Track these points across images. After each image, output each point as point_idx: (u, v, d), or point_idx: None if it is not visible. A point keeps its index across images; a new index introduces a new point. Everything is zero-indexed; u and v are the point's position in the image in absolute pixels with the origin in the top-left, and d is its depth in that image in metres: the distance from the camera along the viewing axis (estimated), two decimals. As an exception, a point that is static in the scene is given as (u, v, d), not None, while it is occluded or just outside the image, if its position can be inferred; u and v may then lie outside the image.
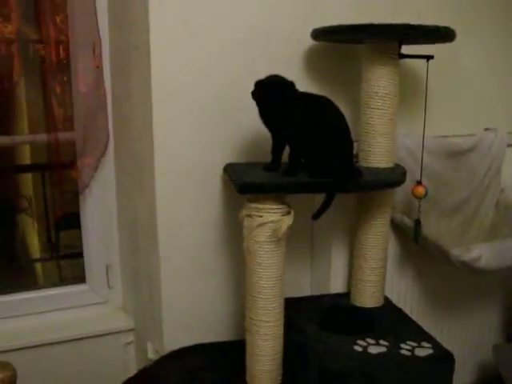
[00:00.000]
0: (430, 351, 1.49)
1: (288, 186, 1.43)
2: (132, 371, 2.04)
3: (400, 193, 1.79)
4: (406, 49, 1.61)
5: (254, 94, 1.45)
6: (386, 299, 1.80)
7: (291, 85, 1.45)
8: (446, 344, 1.54)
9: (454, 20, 1.60)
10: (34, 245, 3.16)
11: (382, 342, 1.54)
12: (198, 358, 1.72)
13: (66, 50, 1.87)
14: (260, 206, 1.43)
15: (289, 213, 1.46)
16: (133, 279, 2.07)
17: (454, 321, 2.02)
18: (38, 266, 2.99)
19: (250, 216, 1.46)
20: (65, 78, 1.89)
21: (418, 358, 1.46)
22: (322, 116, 1.46)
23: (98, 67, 1.88)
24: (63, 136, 1.90)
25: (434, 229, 1.78)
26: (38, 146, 2.56)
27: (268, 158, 1.53)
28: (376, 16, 1.55)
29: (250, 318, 1.53)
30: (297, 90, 1.46)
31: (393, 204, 1.76)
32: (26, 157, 2.90)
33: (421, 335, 1.59)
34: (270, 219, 1.43)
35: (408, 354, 1.48)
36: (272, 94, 1.43)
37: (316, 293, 1.90)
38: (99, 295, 2.12)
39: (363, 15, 1.61)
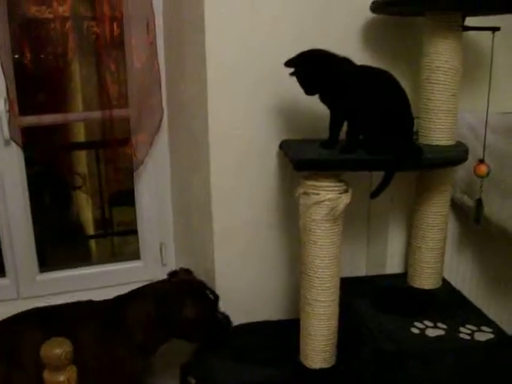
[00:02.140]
0: (491, 336, 1.45)
1: (346, 164, 1.40)
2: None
3: (461, 171, 1.73)
4: (469, 20, 1.54)
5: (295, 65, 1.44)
6: (444, 281, 1.75)
7: (330, 57, 1.43)
8: (506, 329, 1.49)
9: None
10: (88, 221, 3.22)
11: (440, 324, 1.50)
12: (252, 336, 1.71)
13: (120, 26, 1.86)
14: (317, 183, 1.41)
15: (346, 191, 1.43)
16: (186, 257, 2.07)
17: (514, 304, 1.96)
18: (92, 243, 3.04)
19: (306, 193, 1.43)
20: (118, 55, 1.89)
21: (478, 342, 1.42)
22: (382, 90, 1.41)
23: (151, 43, 1.87)
24: (117, 113, 1.91)
25: (496, 209, 1.71)
26: (92, 124, 2.59)
27: (324, 135, 1.50)
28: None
29: (304, 298, 1.51)
30: (344, 61, 1.43)
31: (453, 183, 1.70)
32: (80, 134, 2.94)
33: (481, 319, 1.54)
34: (326, 197, 1.40)
35: (467, 337, 1.44)
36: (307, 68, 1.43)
37: (371, 273, 1.87)
38: (153, 272, 2.14)
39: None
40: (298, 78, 1.45)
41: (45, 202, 2.68)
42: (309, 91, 1.45)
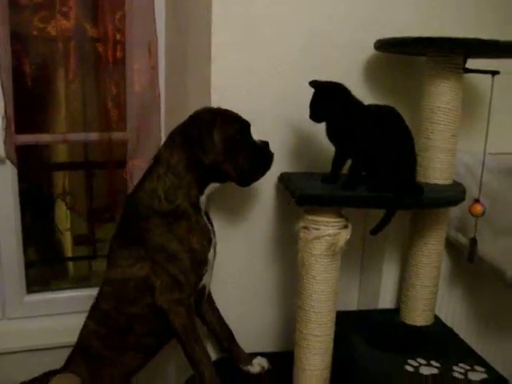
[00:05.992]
0: (484, 376, 1.45)
1: (348, 200, 1.40)
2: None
3: (456, 210, 1.74)
4: (468, 62, 1.57)
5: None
6: (436, 318, 1.76)
7: (345, 91, 1.44)
8: (497, 368, 1.50)
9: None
10: (68, 242, 3.16)
11: (433, 362, 1.50)
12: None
13: (123, 49, 1.86)
14: (317, 218, 1.40)
15: (346, 226, 1.42)
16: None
17: (504, 343, 1.96)
18: (73, 264, 2.99)
19: (306, 228, 1.42)
20: (120, 78, 1.88)
21: (473, 382, 1.42)
22: (389, 130, 1.42)
23: (153, 68, 1.87)
24: (115, 136, 1.90)
25: (489, 248, 1.73)
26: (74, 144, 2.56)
27: (323, 169, 1.51)
28: (439, 26, 1.51)
29: (299, 332, 1.50)
30: (355, 100, 1.45)
31: (448, 221, 1.72)
32: (63, 153, 2.89)
33: (473, 358, 1.55)
34: (327, 232, 1.40)
35: (461, 377, 1.44)
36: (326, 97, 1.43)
37: (363, 307, 1.87)
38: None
39: (426, 25, 1.58)
40: (315, 100, 1.44)
41: (32, 220, 2.63)
42: (317, 117, 1.45)
